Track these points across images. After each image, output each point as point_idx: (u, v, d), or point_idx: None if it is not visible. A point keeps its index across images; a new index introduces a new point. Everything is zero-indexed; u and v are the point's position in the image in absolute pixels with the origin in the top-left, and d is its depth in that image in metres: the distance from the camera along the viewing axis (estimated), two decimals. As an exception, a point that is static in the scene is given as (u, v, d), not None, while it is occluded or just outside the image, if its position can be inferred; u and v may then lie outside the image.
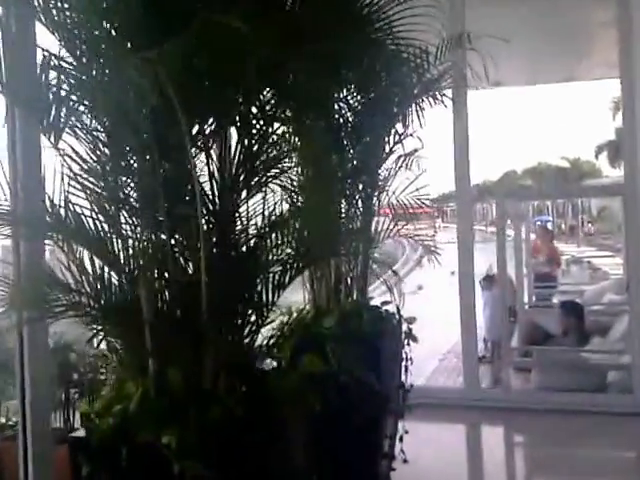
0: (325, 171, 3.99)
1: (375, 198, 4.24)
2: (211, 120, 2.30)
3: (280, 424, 2.20)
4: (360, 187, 4.12)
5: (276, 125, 2.56)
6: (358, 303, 4.17)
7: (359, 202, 4.14)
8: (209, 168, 2.33)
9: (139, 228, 2.31)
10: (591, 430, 4.94)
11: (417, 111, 4.07)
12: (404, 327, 4.22)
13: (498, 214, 5.93)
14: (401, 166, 4.21)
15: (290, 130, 2.78)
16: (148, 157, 2.25)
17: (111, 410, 2.15)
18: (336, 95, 3.81)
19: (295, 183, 3.07)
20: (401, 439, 3.97)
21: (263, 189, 2.45)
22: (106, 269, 2.32)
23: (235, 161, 2.35)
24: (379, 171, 4.23)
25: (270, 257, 2.38)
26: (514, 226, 8.48)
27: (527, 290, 9.18)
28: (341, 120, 3.97)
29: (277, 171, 2.61)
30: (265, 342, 2.44)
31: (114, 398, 2.22)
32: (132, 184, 2.34)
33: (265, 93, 2.50)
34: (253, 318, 2.33)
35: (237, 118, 2.47)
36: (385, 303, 4.23)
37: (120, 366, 2.39)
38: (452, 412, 5.43)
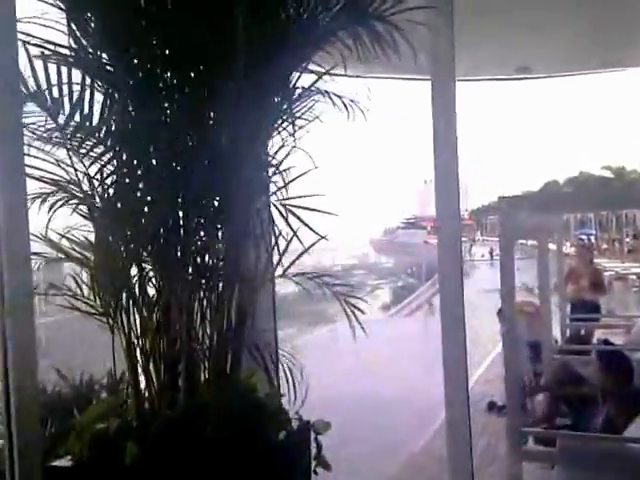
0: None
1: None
2: None
3: None
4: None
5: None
6: (218, 393, 2.26)
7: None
8: None
9: None
10: None
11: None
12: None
13: (502, 230, 3.98)
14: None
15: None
16: None
17: None
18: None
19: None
20: None
21: None
22: None
23: None
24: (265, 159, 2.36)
25: None
26: (539, 243, 6.49)
27: (560, 324, 7.25)
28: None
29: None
30: None
31: None
32: None
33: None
34: None
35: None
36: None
37: None
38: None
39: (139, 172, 2.23)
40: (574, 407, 5.09)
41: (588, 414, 4.91)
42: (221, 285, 2.31)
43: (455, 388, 3.83)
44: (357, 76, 3.23)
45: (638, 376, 4.72)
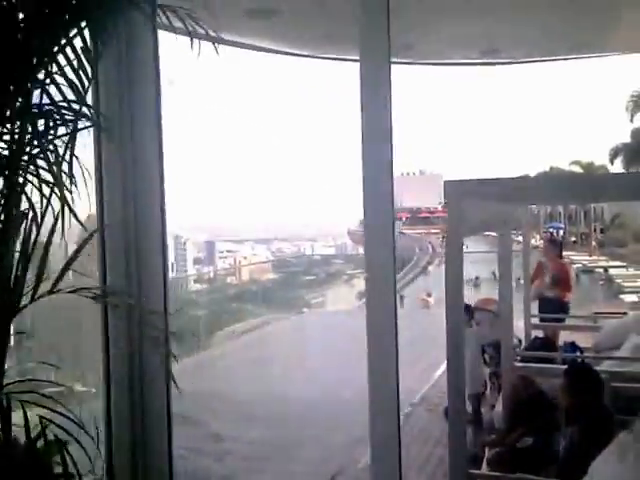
0: None
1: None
2: None
3: None
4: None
5: None
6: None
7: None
8: None
9: None
10: None
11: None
12: None
13: (449, 219, 3.25)
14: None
15: None
16: None
17: None
18: None
19: None
20: None
21: None
22: None
23: None
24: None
25: None
26: (500, 237, 5.78)
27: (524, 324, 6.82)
28: None
29: None
30: None
31: None
32: None
33: None
34: None
35: None
36: None
37: None
38: None
39: None
40: (535, 427, 4.39)
41: (551, 436, 4.23)
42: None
43: (382, 394, 3.13)
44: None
45: (608, 395, 4.04)
